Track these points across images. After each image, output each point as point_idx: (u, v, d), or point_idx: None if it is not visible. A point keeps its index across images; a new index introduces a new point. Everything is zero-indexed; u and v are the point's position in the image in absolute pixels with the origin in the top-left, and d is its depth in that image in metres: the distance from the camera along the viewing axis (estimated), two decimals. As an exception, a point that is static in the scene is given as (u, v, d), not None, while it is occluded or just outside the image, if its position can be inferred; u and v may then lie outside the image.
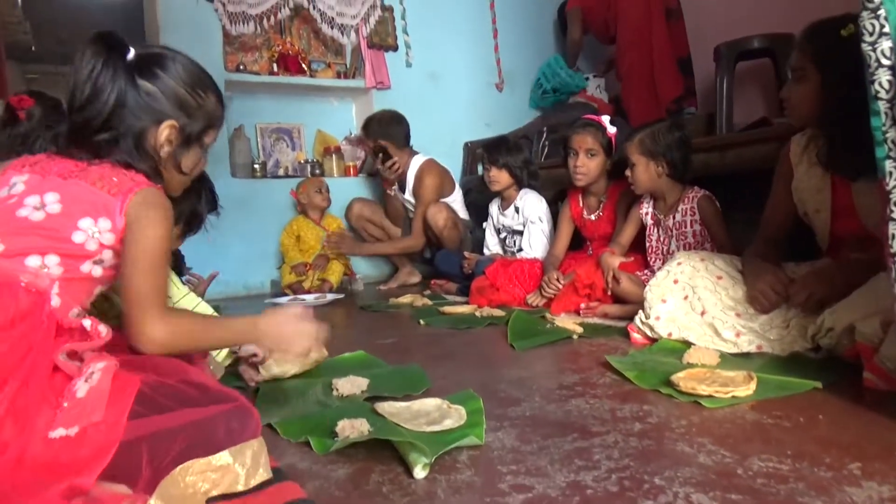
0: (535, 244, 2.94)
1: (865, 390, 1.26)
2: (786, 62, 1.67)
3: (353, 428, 1.11)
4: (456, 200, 3.62)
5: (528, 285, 2.66)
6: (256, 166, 3.88)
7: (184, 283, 1.62)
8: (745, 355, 1.60)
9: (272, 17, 3.84)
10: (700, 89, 3.66)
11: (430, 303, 2.86)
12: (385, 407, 1.25)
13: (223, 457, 0.86)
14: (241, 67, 3.86)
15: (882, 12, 0.98)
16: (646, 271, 2.33)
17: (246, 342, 1.26)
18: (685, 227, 2.25)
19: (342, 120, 4.38)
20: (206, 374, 1.12)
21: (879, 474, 0.89)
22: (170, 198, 1.08)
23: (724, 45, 3.12)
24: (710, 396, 1.25)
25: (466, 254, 3.14)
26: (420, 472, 0.97)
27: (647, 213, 2.37)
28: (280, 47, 4.01)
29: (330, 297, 3.25)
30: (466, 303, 2.71)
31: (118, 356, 0.93)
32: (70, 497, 0.80)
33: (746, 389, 1.26)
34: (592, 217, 2.68)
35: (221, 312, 2.16)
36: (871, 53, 1.00)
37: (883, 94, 1.00)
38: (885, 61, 0.99)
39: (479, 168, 3.63)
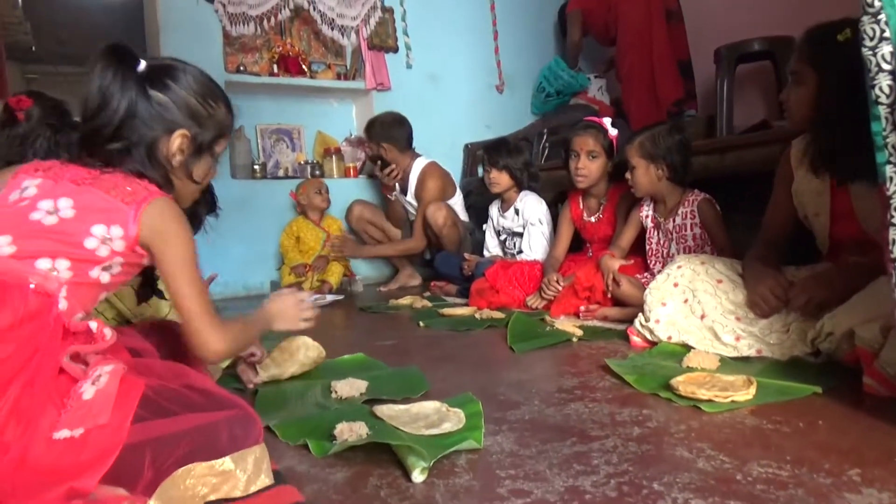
0: (534, 246, 2.93)
1: (865, 395, 1.26)
2: (786, 65, 1.67)
3: (351, 431, 1.11)
4: (457, 204, 3.62)
5: (527, 287, 2.66)
6: (256, 167, 3.89)
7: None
8: (745, 359, 1.59)
9: (272, 18, 3.84)
10: (700, 92, 3.66)
11: (429, 304, 2.86)
12: (384, 410, 1.25)
13: (225, 462, 0.87)
14: (242, 68, 3.86)
15: (883, 17, 0.98)
16: (646, 274, 2.32)
17: (266, 328, 1.33)
18: (685, 231, 2.24)
19: (342, 121, 4.38)
20: (207, 378, 1.13)
21: (879, 481, 0.89)
22: None
23: (724, 47, 3.12)
24: (709, 401, 1.25)
25: (466, 255, 3.14)
26: (418, 476, 0.97)
27: (647, 216, 2.37)
28: (280, 48, 4.01)
29: (329, 298, 3.24)
30: (466, 305, 2.71)
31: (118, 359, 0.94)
32: (70, 499, 0.81)
33: (746, 394, 1.26)
34: (592, 219, 2.68)
35: (221, 314, 2.15)
36: (872, 58, 1.00)
37: (883, 99, 1.00)
38: (885, 66, 0.99)
39: (480, 170, 3.64)
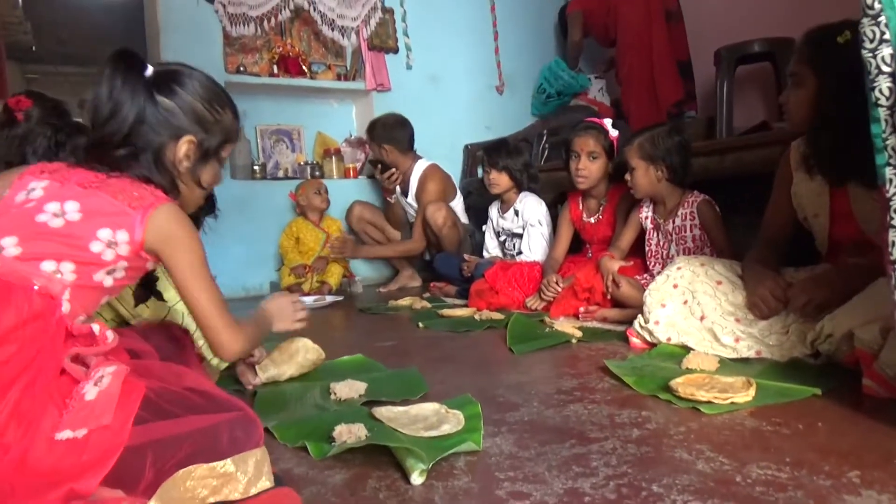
0: (534, 247, 2.93)
1: (865, 397, 1.26)
2: (786, 66, 1.67)
3: (350, 433, 1.11)
4: (457, 206, 3.62)
5: (527, 288, 2.66)
6: (256, 168, 3.89)
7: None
8: (745, 361, 1.59)
9: (273, 19, 3.84)
10: (700, 93, 3.66)
11: (429, 305, 2.86)
12: (383, 412, 1.25)
13: (226, 464, 0.87)
14: (242, 69, 3.86)
15: (882, 19, 0.98)
16: (645, 275, 2.32)
17: (269, 327, 1.36)
18: (685, 232, 2.24)
19: (342, 122, 4.38)
20: (207, 380, 1.13)
21: (879, 483, 0.89)
22: None
23: (724, 48, 3.12)
24: (708, 402, 1.24)
25: (466, 256, 3.14)
26: (417, 479, 0.97)
27: (646, 218, 2.37)
28: (280, 49, 4.01)
29: (329, 299, 3.24)
30: (465, 306, 2.70)
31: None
32: (70, 500, 0.81)
33: (745, 395, 1.26)
34: (592, 220, 2.68)
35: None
36: (872, 60, 1.00)
37: (883, 101, 0.99)
38: (885, 68, 0.99)
39: (479, 171, 3.64)
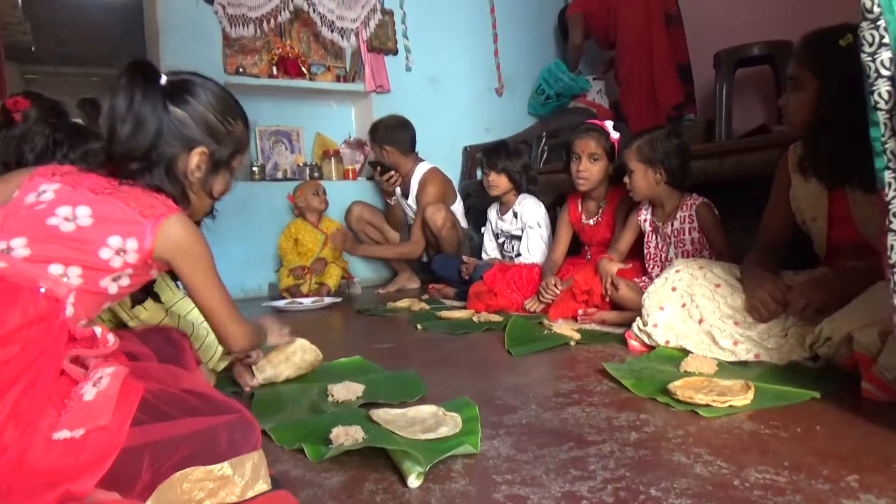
0: (533, 249, 2.93)
1: (863, 401, 1.26)
2: (785, 69, 1.67)
3: (347, 435, 1.10)
4: (457, 210, 3.62)
5: (525, 291, 2.65)
6: (255, 169, 3.89)
7: (179, 287, 1.61)
8: (743, 364, 1.59)
9: (272, 20, 3.84)
10: (699, 96, 3.66)
11: (427, 307, 2.86)
12: (380, 414, 1.25)
13: (223, 467, 0.87)
14: (241, 70, 3.86)
15: (882, 23, 0.98)
16: (644, 278, 2.32)
17: (264, 335, 1.49)
18: (683, 235, 2.24)
19: (341, 123, 4.38)
20: (205, 383, 1.13)
21: (877, 487, 0.89)
22: None
23: (723, 51, 3.12)
24: (707, 405, 1.24)
25: (465, 258, 3.14)
26: (414, 481, 0.97)
27: (645, 220, 2.37)
28: (280, 50, 4.01)
29: (328, 300, 3.24)
30: (464, 307, 2.70)
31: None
32: (65, 502, 0.80)
33: (744, 399, 1.26)
34: (591, 222, 2.67)
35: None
36: (871, 64, 1.00)
37: (882, 105, 0.99)
38: (884, 72, 0.99)
39: (479, 172, 3.64)
